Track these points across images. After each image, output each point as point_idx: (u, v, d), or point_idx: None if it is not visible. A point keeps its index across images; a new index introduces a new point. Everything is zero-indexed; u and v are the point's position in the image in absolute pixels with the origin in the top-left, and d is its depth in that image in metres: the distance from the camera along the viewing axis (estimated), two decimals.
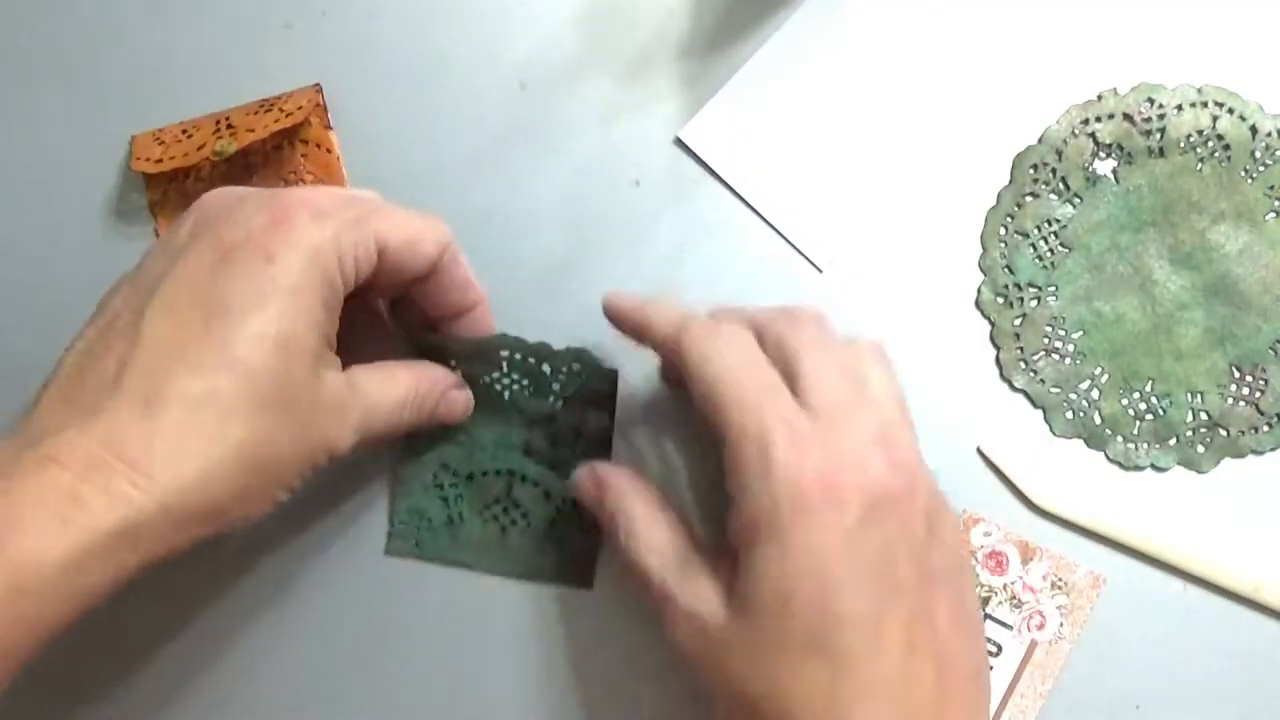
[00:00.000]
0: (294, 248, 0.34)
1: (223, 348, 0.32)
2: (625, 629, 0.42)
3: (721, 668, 0.34)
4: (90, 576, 0.31)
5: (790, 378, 0.36)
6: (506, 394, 0.42)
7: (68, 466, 0.30)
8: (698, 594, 0.35)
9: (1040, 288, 0.44)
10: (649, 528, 0.37)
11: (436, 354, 0.41)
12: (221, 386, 0.32)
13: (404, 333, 0.42)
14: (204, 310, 0.33)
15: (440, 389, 0.40)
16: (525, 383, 0.42)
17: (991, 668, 0.42)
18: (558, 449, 0.42)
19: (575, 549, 0.42)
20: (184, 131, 0.44)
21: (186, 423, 0.32)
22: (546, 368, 0.41)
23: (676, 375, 0.41)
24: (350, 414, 0.36)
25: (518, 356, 0.41)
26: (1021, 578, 0.42)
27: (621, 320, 0.40)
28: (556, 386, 0.42)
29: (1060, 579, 0.42)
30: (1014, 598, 0.42)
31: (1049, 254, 0.44)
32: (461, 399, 0.41)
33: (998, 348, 0.44)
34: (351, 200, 0.36)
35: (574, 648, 0.42)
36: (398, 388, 0.38)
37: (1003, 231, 0.44)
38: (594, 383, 0.42)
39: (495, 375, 0.41)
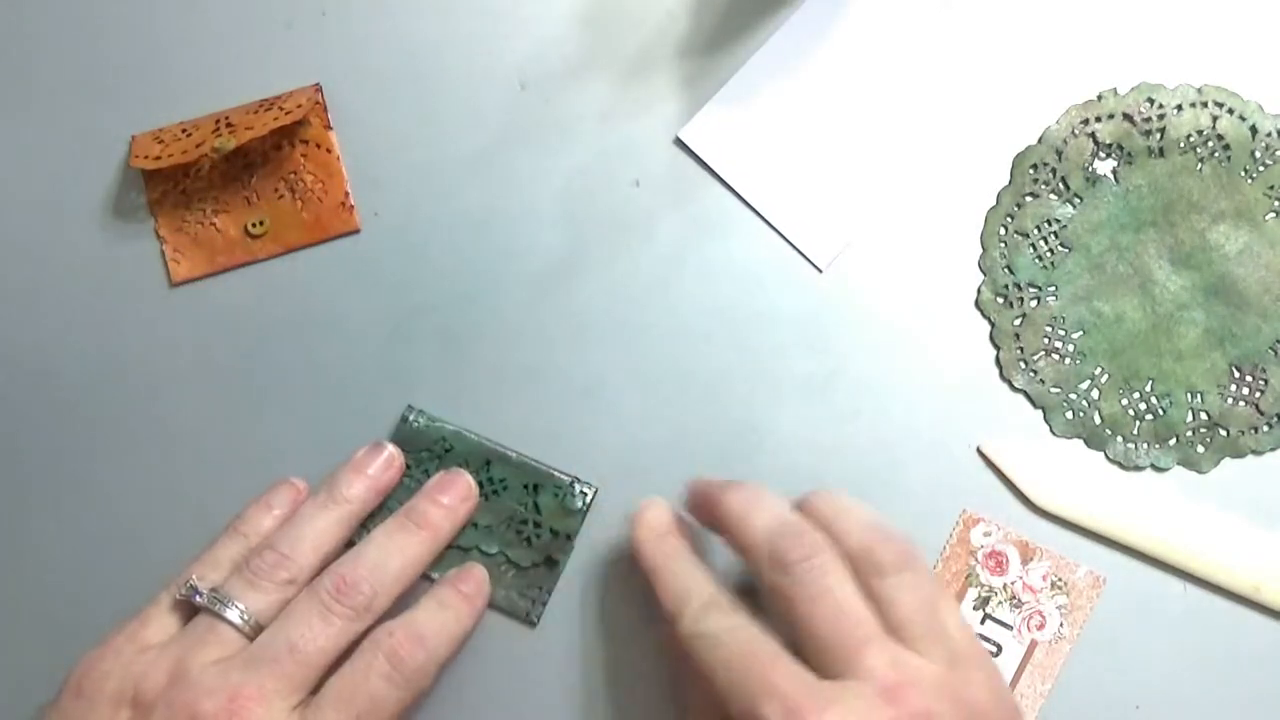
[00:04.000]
0: None
1: None
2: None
3: None
4: None
5: (790, 629, 0.35)
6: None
7: None
8: None
9: (1040, 288, 0.44)
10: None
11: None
12: None
13: None
14: None
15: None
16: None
17: None
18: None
19: (531, 584, 0.42)
20: (184, 130, 0.44)
21: None
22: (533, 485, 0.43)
23: None
24: None
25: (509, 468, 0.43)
26: (1021, 578, 0.42)
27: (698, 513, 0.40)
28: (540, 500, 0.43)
29: (1060, 579, 0.42)
30: (1014, 598, 0.42)
31: (1049, 254, 0.44)
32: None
33: (998, 348, 0.44)
34: None
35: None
36: None
37: (1003, 231, 0.44)
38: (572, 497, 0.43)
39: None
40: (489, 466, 0.42)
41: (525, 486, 0.42)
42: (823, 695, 0.33)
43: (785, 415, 0.43)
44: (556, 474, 0.43)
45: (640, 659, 0.42)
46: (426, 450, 0.42)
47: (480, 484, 0.42)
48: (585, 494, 0.43)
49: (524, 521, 0.42)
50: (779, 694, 0.33)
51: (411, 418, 0.43)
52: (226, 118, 0.44)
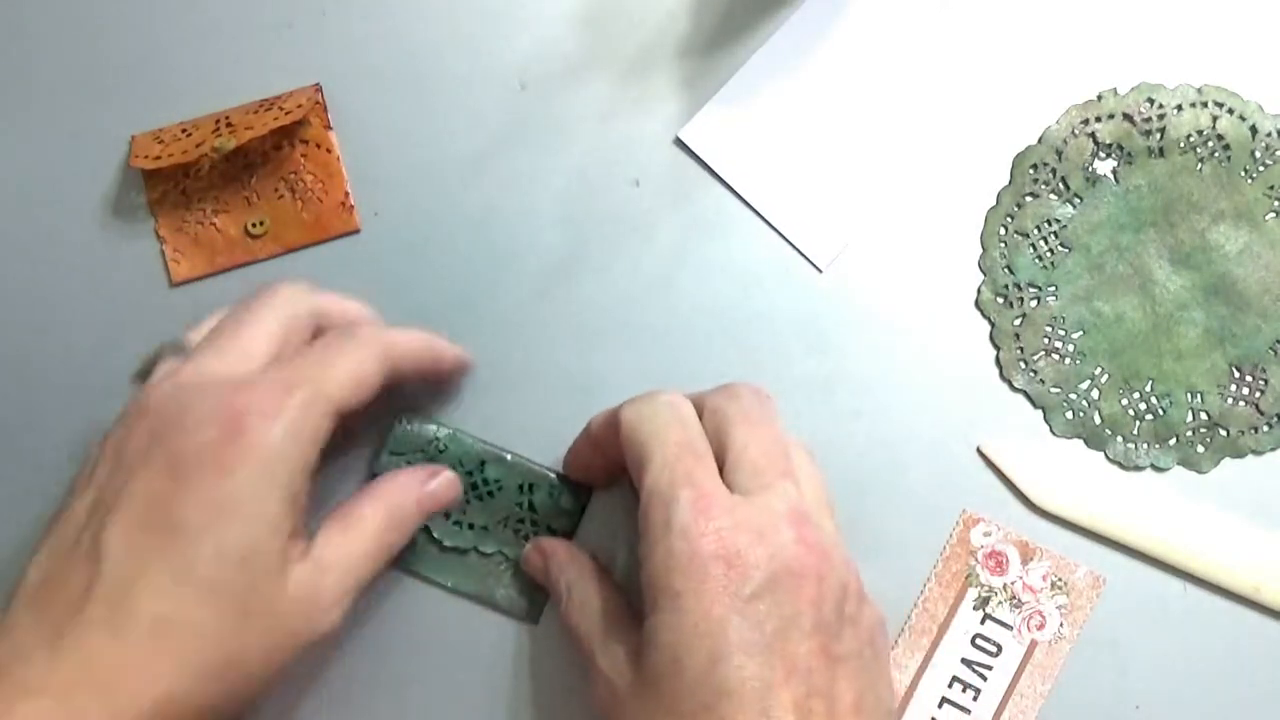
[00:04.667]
0: (248, 459, 0.34)
1: (184, 568, 0.33)
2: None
3: None
4: None
5: (720, 448, 0.37)
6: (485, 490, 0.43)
7: (46, 693, 0.31)
8: (613, 657, 0.36)
9: (1040, 288, 0.44)
10: (583, 591, 0.39)
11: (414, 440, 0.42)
12: (186, 607, 0.33)
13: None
14: (163, 530, 0.33)
15: (413, 495, 0.39)
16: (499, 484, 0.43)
17: (991, 669, 0.42)
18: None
19: (530, 583, 0.42)
20: (184, 130, 0.44)
21: (154, 645, 0.32)
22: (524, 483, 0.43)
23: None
24: (324, 597, 0.36)
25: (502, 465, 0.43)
26: (1021, 578, 0.42)
27: (576, 459, 0.42)
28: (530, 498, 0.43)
29: (1060, 579, 0.42)
30: (1014, 598, 0.42)
31: (1049, 254, 0.44)
32: (444, 485, 0.40)
33: (998, 348, 0.44)
34: (295, 381, 0.36)
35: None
36: (365, 534, 0.37)
37: (1003, 231, 0.44)
38: (567, 495, 0.43)
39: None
40: (484, 467, 0.42)
41: (520, 486, 0.42)
42: (731, 499, 0.35)
43: (785, 415, 0.43)
44: (551, 473, 0.43)
45: None
46: (420, 451, 0.42)
47: (475, 485, 0.42)
48: (581, 492, 0.43)
49: (521, 520, 0.42)
50: (697, 485, 0.35)
51: (406, 419, 0.43)
52: (226, 118, 0.44)
